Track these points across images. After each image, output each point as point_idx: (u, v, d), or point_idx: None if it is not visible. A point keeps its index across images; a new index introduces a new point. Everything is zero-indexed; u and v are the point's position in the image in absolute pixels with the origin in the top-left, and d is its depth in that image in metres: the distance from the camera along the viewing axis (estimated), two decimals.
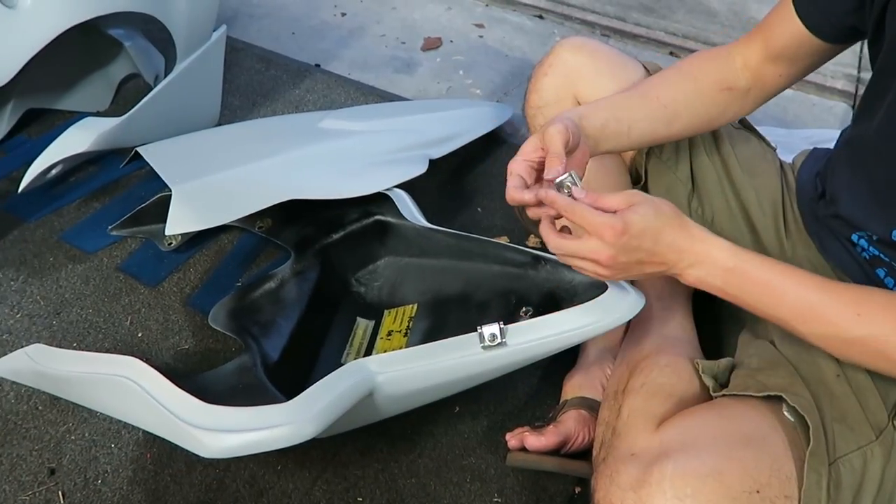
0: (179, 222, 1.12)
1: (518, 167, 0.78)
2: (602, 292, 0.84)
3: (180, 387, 0.83)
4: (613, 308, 0.83)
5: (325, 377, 0.83)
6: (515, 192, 0.76)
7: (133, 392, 0.84)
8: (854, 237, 0.85)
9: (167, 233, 1.11)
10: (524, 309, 0.99)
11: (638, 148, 0.99)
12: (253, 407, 0.80)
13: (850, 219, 0.84)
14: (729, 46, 0.92)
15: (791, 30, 0.84)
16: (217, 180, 1.18)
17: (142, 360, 0.87)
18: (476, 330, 0.84)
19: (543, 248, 1.31)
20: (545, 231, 0.76)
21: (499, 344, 0.83)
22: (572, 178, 0.74)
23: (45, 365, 0.93)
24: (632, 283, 0.96)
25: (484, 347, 0.83)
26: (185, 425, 0.79)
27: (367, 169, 1.23)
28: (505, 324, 0.84)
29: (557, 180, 0.74)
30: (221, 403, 0.81)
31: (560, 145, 0.75)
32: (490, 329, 0.83)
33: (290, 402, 0.81)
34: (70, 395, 0.98)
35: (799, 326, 0.72)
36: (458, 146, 1.38)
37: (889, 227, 0.77)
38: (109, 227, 1.29)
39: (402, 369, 0.85)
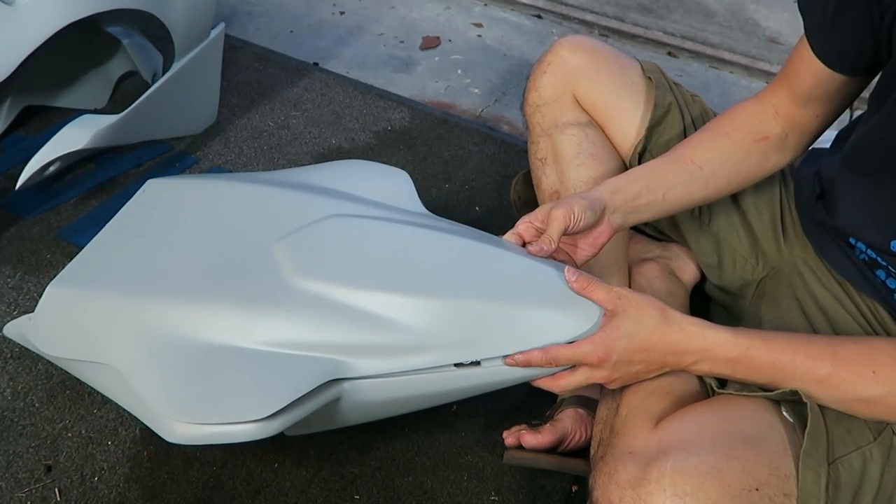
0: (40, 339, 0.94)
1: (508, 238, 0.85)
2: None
3: None
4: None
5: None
6: None
7: (111, 369, 0.85)
8: (851, 240, 0.85)
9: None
10: None
11: (675, 213, 0.95)
12: None
13: (848, 231, 0.84)
14: (759, 96, 0.89)
15: (813, 70, 0.81)
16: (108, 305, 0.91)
17: None
18: None
19: None
20: (542, 384, 0.81)
21: (472, 363, 0.81)
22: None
23: None
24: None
25: (456, 365, 0.81)
26: (155, 409, 0.80)
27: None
28: None
29: None
30: None
31: (558, 230, 0.79)
32: None
33: None
34: (63, 364, 0.98)
35: (816, 394, 0.72)
36: None
37: (887, 238, 0.77)
38: None
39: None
